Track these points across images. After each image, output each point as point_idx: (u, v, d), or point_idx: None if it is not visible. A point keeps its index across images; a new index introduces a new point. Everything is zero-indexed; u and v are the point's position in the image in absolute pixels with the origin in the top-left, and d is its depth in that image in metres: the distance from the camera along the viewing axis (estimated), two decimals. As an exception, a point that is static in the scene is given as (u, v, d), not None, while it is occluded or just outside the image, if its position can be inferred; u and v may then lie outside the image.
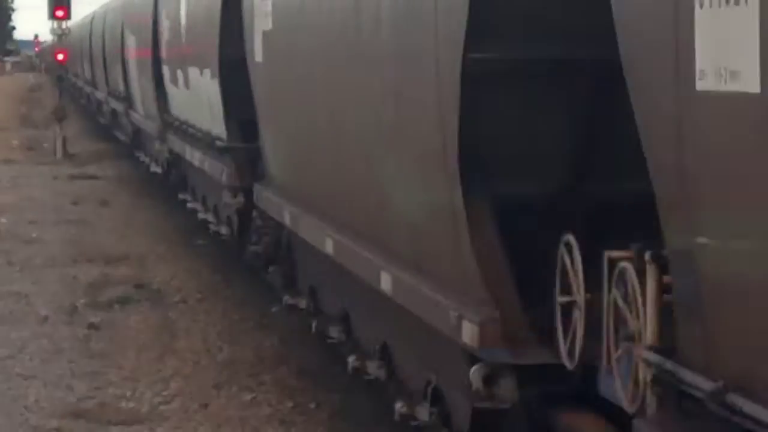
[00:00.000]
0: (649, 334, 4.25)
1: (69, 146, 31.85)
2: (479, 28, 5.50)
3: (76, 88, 41.96)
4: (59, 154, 29.80)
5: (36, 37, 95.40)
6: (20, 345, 11.83)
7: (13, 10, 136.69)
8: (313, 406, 9.95)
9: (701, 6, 3.38)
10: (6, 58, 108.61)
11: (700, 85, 3.39)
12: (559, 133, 5.76)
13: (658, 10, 3.75)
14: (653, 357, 4.19)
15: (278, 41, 9.01)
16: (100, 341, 12.08)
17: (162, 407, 9.87)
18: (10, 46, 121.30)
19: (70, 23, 35.83)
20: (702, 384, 3.65)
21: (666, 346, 4.17)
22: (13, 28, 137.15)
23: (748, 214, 3.36)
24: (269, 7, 8.82)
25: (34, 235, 19.24)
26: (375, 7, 6.81)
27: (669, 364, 4.01)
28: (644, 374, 4.28)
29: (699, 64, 3.38)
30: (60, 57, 35.03)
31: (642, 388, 4.34)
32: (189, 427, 9.52)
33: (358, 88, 7.41)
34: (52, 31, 34.77)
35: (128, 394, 10.22)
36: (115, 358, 11.53)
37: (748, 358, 3.48)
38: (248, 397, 10.28)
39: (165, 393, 10.25)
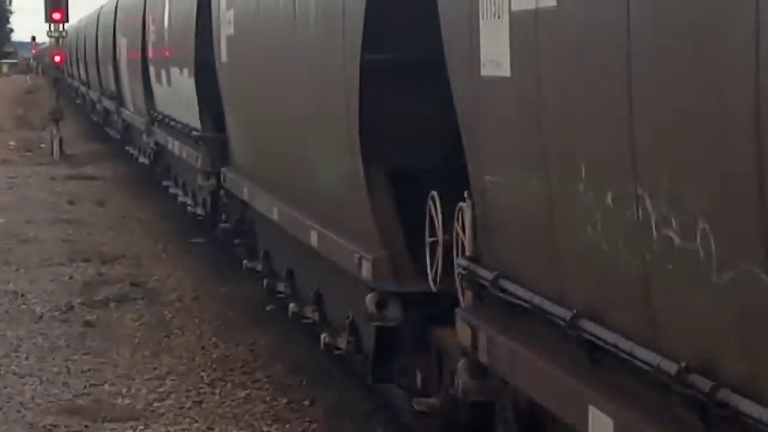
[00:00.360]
0: (468, 248, 5.71)
1: (65, 147, 32.57)
2: (372, 34, 7.01)
3: (72, 89, 42.45)
4: (56, 154, 30.40)
5: (33, 39, 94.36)
6: (16, 343, 12.31)
7: (11, 12, 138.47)
8: (307, 402, 10.45)
9: (483, 17, 4.81)
10: (3, 60, 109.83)
11: (483, 72, 4.84)
12: (436, 118, 6.72)
13: (460, 19, 5.21)
14: (465, 262, 5.67)
15: (239, 44, 10.08)
16: (96, 339, 12.52)
17: (157, 404, 10.23)
18: (8, 48, 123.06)
19: (66, 26, 36.13)
20: (488, 276, 5.19)
21: (474, 255, 5.65)
22: (11, 30, 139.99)
23: (508, 160, 5.02)
24: (232, 16, 9.49)
25: (31, 234, 20.19)
26: (305, 15, 7.82)
27: (473, 266, 5.52)
28: (460, 276, 5.84)
29: (482, 57, 4.83)
30: (57, 59, 36.30)
31: (461, 287, 5.99)
32: (183, 424, 9.95)
33: (295, 83, 8.50)
34: (49, 33, 34.83)
35: (123, 391, 10.62)
36: (111, 356, 11.96)
37: (513, 256, 5.15)
38: (242, 393, 10.77)
39: (160, 390, 10.68)
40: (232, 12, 9.50)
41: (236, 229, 12.11)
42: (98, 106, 30.97)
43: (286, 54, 8.73)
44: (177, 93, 14.15)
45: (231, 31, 9.60)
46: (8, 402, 10.58)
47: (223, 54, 10.29)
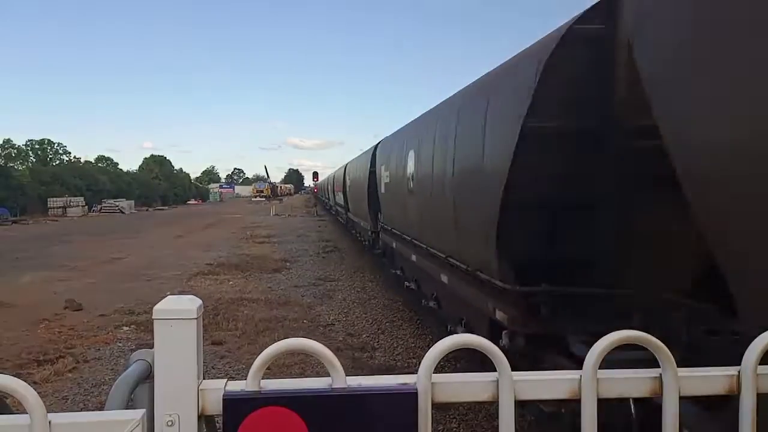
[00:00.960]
0: (381, 220, 10.22)
1: (317, 213, 39.27)
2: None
3: (324, 202, 45.21)
4: (315, 215, 38.44)
5: (313, 185, 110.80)
6: (304, 261, 15.07)
7: (303, 175, 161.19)
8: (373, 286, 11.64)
9: (381, 185, 8.90)
10: (302, 190, 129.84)
11: (382, 190, 9.20)
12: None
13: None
14: (380, 223, 10.18)
15: (390, 186, 8.81)
16: (324, 261, 15.13)
17: (341, 276, 12.61)
18: (302, 189, 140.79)
19: (321, 177, 45.84)
20: (384, 225, 9.76)
21: (383, 222, 10.01)
22: (303, 182, 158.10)
23: (388, 206, 9.31)
24: (388, 176, 8.90)
25: (308, 233, 24.09)
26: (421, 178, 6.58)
27: (382, 224, 9.98)
28: (380, 226, 10.63)
29: (382, 188, 8.85)
30: (315, 190, 49.76)
31: (380, 228, 10.62)
32: (347, 282, 12.00)
33: (414, 199, 7.19)
34: (313, 183, 48.17)
35: (334, 273, 13.08)
36: (329, 265, 14.31)
37: (388, 220, 9.40)
38: (360, 275, 12.79)
39: (342, 272, 13.14)
40: (388, 173, 8.75)
41: (383, 252, 11.31)
42: (333, 209, 32.98)
43: (412, 187, 6.91)
44: (359, 202, 14.22)
45: (388, 180, 8.83)
46: (303, 274, 12.87)
47: (383, 188, 9.45)
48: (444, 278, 5.46)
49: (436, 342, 1.07)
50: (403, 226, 7.88)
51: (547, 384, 1.00)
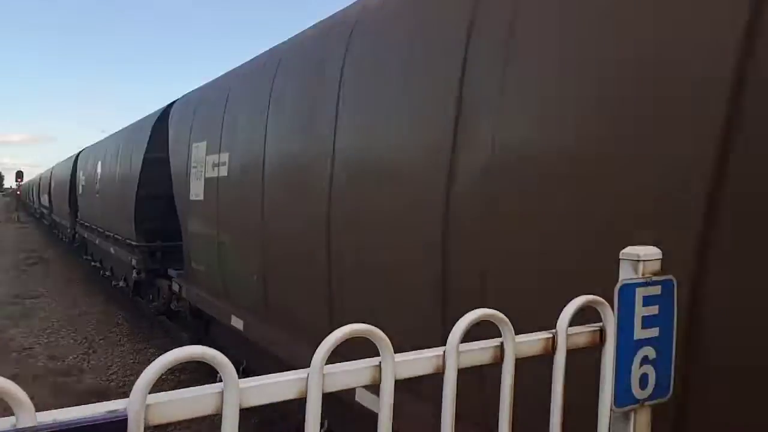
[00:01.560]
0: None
1: (19, 219, 35.07)
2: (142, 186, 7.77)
3: (29, 205, 42.31)
4: (16, 220, 34.48)
5: (17, 186, 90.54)
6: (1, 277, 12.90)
7: (3, 175, 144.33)
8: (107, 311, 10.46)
9: (192, 179, 5.57)
10: (1, 194, 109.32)
11: (191, 198, 5.78)
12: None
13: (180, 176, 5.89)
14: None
15: (85, 187, 9.97)
16: (27, 274, 14.09)
17: (46, 291, 11.62)
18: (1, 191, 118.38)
19: (28, 177, 42.08)
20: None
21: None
22: (2, 183, 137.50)
23: (196, 225, 5.81)
24: (84, 179, 9.91)
25: (3, 244, 21.48)
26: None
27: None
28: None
29: (191, 193, 5.75)
30: (18, 192, 44.37)
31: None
32: (59, 295, 11.18)
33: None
34: (17, 183, 42.72)
35: (36, 288, 12.07)
36: (31, 279, 13.29)
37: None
38: (77, 288, 11.73)
39: (48, 287, 12.05)
40: (84, 177, 9.28)
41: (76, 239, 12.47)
42: (38, 211, 31.60)
43: (98, 188, 8.96)
44: (61, 203, 14.90)
45: (84, 183, 9.82)
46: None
47: (80, 189, 9.99)
48: (112, 250, 8.61)
49: (159, 356, 0.98)
50: (92, 218, 10.71)
51: (276, 387, 1.00)
